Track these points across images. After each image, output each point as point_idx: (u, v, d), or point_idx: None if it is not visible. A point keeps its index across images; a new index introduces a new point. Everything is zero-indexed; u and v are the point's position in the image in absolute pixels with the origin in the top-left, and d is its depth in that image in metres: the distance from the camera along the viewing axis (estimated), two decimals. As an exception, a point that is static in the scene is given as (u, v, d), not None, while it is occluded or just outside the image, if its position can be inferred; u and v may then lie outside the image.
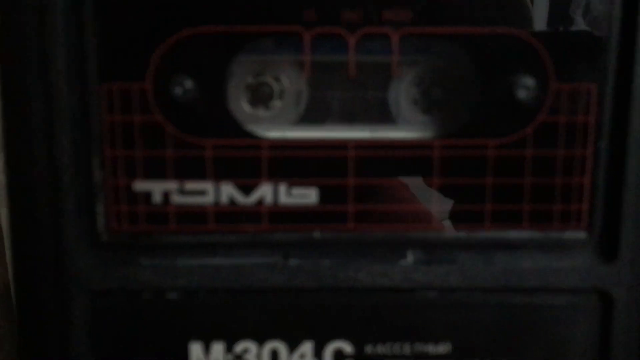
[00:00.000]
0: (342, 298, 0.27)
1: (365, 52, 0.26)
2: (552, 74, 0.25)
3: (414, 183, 0.27)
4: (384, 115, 0.28)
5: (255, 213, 0.27)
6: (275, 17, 0.25)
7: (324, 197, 0.26)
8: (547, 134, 0.26)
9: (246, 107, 0.27)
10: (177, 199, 0.26)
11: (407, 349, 0.27)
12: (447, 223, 0.28)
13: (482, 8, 0.26)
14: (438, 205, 0.27)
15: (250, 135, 0.26)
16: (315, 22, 0.25)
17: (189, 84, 0.25)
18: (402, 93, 0.27)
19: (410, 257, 0.27)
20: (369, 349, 0.27)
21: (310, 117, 0.27)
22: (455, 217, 0.27)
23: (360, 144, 0.26)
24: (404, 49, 0.26)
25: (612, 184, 0.27)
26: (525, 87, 0.25)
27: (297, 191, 0.26)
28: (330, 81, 0.27)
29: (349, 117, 0.28)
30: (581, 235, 0.27)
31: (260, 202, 0.26)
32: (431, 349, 0.27)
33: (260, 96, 0.27)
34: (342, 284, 0.27)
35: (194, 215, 0.27)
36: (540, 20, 0.26)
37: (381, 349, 0.27)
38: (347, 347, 0.27)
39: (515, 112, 0.26)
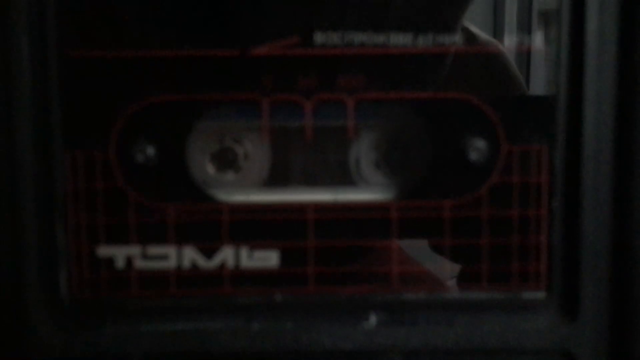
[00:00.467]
0: (305, 362, 0.27)
1: (322, 117, 0.27)
2: (502, 135, 0.26)
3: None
4: (345, 177, 0.28)
5: (217, 276, 0.27)
6: (233, 84, 0.26)
7: (284, 259, 0.27)
8: (501, 194, 0.27)
9: (209, 171, 0.28)
10: (139, 263, 0.27)
11: (371, 413, 0.27)
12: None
13: (438, 74, 0.27)
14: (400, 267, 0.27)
15: (211, 200, 0.27)
16: (272, 89, 0.26)
17: (150, 150, 0.26)
18: (361, 156, 0.28)
19: (372, 319, 0.28)
20: (332, 413, 0.27)
21: (272, 180, 0.28)
22: (415, 277, 0.27)
23: (320, 207, 0.27)
24: (359, 113, 0.27)
25: (569, 242, 0.27)
26: (477, 149, 0.26)
27: (259, 254, 0.27)
28: (290, 145, 0.28)
29: (311, 180, 0.28)
30: (541, 295, 0.27)
31: (222, 266, 0.27)
32: (395, 412, 0.27)
33: (223, 161, 0.28)
34: (305, 348, 0.27)
35: (156, 280, 0.27)
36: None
37: (345, 413, 0.27)
38: (311, 412, 0.27)
39: (469, 173, 0.26)
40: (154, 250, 0.27)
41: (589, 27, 0.26)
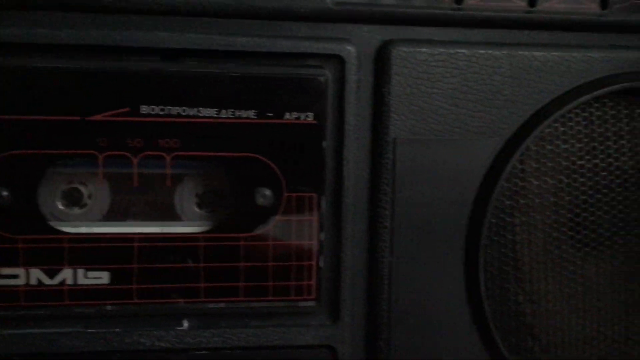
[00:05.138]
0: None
1: (148, 168, 0.35)
2: (284, 185, 0.35)
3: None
4: (171, 214, 0.36)
5: (58, 291, 0.34)
6: (75, 142, 0.33)
7: (114, 278, 0.34)
8: (283, 229, 0.35)
9: (59, 208, 0.35)
10: (-6, 281, 0.33)
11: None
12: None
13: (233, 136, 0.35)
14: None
15: (55, 231, 0.34)
16: (107, 147, 0.33)
17: (4, 193, 0.33)
18: (181, 198, 0.36)
19: (185, 324, 0.36)
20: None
21: (110, 216, 0.35)
22: (218, 291, 0.35)
23: (143, 237, 0.35)
24: (176, 166, 0.35)
25: (333, 265, 0.36)
26: (265, 195, 0.35)
27: (92, 274, 0.34)
28: (124, 188, 0.35)
29: (143, 216, 0.36)
30: (312, 303, 0.36)
31: (62, 283, 0.34)
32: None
33: (69, 200, 0.35)
34: (130, 347, 0.35)
35: (8, 294, 0.34)
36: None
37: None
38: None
39: (258, 213, 0.35)
40: (6, 270, 0.33)
41: (347, 109, 0.35)
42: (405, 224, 0.37)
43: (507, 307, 0.38)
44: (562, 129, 0.38)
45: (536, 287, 0.39)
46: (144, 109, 0.34)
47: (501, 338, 0.38)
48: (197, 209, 0.36)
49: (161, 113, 0.34)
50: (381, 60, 0.36)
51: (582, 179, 0.38)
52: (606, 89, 0.37)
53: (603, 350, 0.40)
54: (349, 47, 0.35)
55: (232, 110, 0.34)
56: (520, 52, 0.37)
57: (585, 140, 0.38)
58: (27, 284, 0.34)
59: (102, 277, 0.34)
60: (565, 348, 0.40)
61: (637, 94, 0.38)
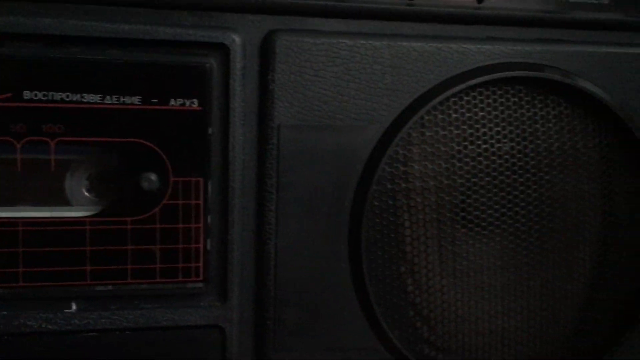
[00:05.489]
0: (16, 342, 0.35)
1: (33, 153, 0.35)
2: (170, 170, 0.36)
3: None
4: (60, 199, 0.36)
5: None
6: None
7: (-2, 262, 0.35)
8: (170, 213, 0.36)
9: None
10: None
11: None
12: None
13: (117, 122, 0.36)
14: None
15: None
16: (-13, 132, 0.34)
17: None
18: (70, 183, 0.37)
19: (73, 306, 0.36)
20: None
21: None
22: (105, 274, 0.36)
23: (29, 222, 0.35)
24: (62, 151, 0.35)
25: (221, 247, 0.38)
26: (149, 180, 0.36)
27: (-24, 258, 0.34)
28: (11, 173, 0.35)
29: (32, 201, 0.36)
30: (200, 285, 0.37)
31: (-56, 268, 0.34)
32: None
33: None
34: (17, 330, 0.35)
35: None
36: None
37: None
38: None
39: (144, 198, 0.36)
40: None
41: (232, 96, 0.36)
42: (290, 207, 0.38)
43: (390, 286, 0.40)
44: (441, 116, 0.40)
45: (417, 267, 0.41)
46: (27, 94, 0.34)
47: (383, 314, 0.40)
48: (86, 194, 0.37)
49: (44, 99, 0.34)
50: (266, 49, 0.37)
51: (460, 164, 0.40)
52: (481, 79, 0.39)
53: (481, 326, 0.42)
54: (233, 36, 0.37)
55: (117, 96, 0.35)
56: (399, 43, 0.39)
57: (463, 127, 0.40)
58: None
59: (-14, 261, 0.35)
60: (446, 324, 0.42)
61: (511, 83, 0.41)
